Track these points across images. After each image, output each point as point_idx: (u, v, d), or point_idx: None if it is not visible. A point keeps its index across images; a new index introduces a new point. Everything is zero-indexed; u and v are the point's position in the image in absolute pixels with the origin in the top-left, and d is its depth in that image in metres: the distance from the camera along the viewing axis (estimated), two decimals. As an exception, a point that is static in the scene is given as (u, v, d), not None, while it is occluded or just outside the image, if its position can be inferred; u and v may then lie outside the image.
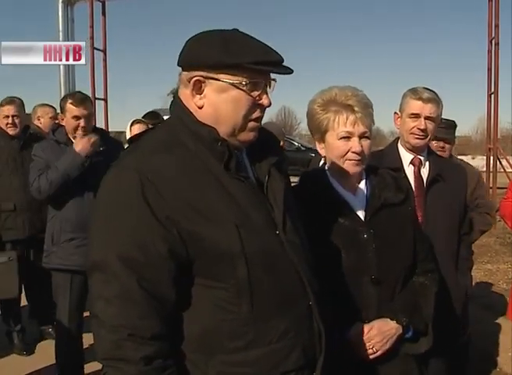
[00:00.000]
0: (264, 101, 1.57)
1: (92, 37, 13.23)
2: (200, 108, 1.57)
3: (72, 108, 3.82)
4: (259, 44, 1.55)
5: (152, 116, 5.81)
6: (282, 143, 5.55)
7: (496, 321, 4.81)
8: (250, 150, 1.67)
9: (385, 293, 2.04)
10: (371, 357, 2.00)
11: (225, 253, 1.48)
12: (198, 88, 1.55)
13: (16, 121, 4.83)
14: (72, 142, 3.85)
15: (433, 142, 4.13)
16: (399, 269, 2.08)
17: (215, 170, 1.54)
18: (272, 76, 1.60)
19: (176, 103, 1.63)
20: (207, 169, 1.53)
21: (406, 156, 2.88)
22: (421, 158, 2.88)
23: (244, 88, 1.52)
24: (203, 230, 1.47)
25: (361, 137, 2.02)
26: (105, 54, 13.75)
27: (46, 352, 4.61)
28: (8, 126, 4.81)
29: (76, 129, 3.85)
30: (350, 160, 2.04)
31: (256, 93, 1.55)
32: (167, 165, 1.50)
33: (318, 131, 2.08)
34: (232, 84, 1.52)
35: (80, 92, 4.11)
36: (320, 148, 2.12)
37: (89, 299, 1.56)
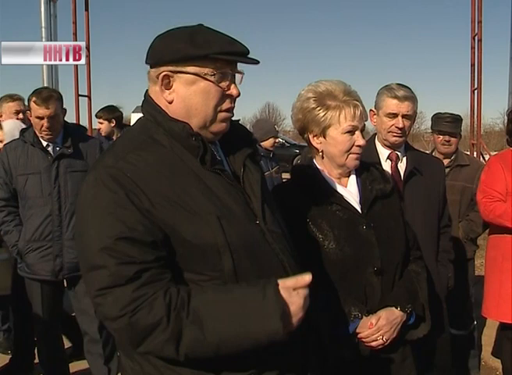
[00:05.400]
0: (233, 91, 1.61)
1: (75, 34, 13.09)
2: (170, 103, 1.59)
3: (34, 107, 3.58)
4: (224, 36, 1.59)
5: (109, 111, 5.78)
6: (275, 140, 5.59)
7: (481, 315, 4.84)
8: (223, 143, 1.70)
9: (387, 282, 2.10)
10: (380, 347, 2.04)
11: (209, 245, 1.49)
12: (167, 83, 1.58)
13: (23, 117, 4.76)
14: (41, 142, 3.65)
15: (438, 136, 4.18)
16: (398, 258, 2.14)
17: (192, 165, 1.56)
18: (240, 68, 1.63)
19: (147, 101, 1.65)
20: (183, 164, 1.56)
21: (383, 152, 2.92)
22: (398, 153, 2.92)
23: (212, 79, 1.56)
24: (185, 223, 1.48)
25: (362, 130, 2.08)
26: (89, 50, 13.61)
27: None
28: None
29: (40, 129, 3.60)
30: (353, 154, 2.09)
31: (224, 84, 1.58)
32: (144, 162, 1.52)
33: (318, 125, 2.08)
34: (200, 76, 1.55)
35: (47, 88, 3.84)
36: (317, 142, 2.13)
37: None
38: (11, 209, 3.73)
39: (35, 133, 3.67)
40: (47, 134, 3.62)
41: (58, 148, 3.68)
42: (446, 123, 4.17)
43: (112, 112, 6.15)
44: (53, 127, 3.61)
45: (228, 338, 1.43)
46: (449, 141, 4.16)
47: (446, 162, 4.20)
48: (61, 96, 3.74)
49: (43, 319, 3.76)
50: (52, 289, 3.74)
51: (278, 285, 1.45)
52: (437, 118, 4.29)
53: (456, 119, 4.28)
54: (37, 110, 3.55)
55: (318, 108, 2.07)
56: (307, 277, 1.48)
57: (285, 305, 1.44)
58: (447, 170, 4.16)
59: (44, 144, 3.68)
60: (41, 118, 3.56)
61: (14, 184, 3.68)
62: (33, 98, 3.58)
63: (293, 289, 1.47)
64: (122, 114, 6.41)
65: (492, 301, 3.54)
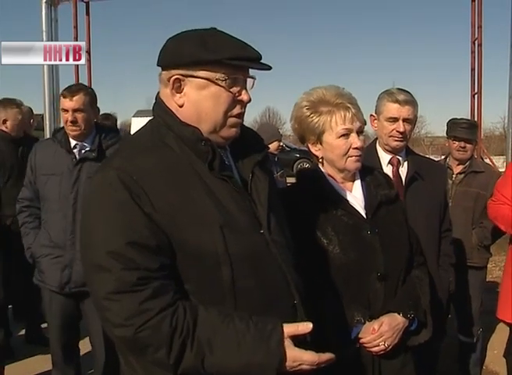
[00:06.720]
0: (244, 96, 1.59)
1: (76, 38, 13.14)
2: (181, 106, 1.58)
3: (61, 100, 3.43)
4: (237, 40, 1.57)
5: (103, 118, 5.78)
6: (279, 143, 5.58)
7: (489, 320, 4.82)
8: (233, 148, 1.68)
9: (390, 288, 2.09)
10: (381, 353, 2.03)
11: (209, 254, 1.48)
12: (178, 87, 1.56)
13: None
14: (69, 142, 3.45)
15: (454, 142, 4.15)
16: (401, 264, 2.13)
17: (200, 171, 1.54)
18: (252, 74, 1.61)
19: (158, 104, 1.64)
20: (191, 169, 1.54)
21: (384, 156, 2.92)
22: (400, 158, 2.91)
23: (223, 84, 1.54)
24: (186, 231, 1.47)
25: (358, 132, 2.06)
26: (89, 54, 13.66)
27: (30, 357, 4.58)
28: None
29: (66, 123, 3.41)
30: (351, 157, 2.07)
31: (235, 89, 1.57)
32: (152, 165, 1.51)
33: (313, 133, 2.09)
34: (212, 81, 1.54)
35: (80, 84, 3.62)
36: (315, 149, 2.13)
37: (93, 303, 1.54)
38: (33, 210, 3.60)
39: (65, 132, 3.48)
40: (71, 130, 3.42)
41: (83, 151, 3.47)
42: (462, 129, 4.13)
43: (105, 120, 6.16)
44: (77, 123, 3.40)
45: (224, 372, 1.47)
46: (464, 147, 4.11)
47: (460, 168, 4.20)
48: (93, 94, 3.55)
49: (55, 332, 3.59)
50: (62, 301, 3.48)
51: (283, 334, 1.48)
52: (453, 123, 4.23)
53: (473, 126, 4.25)
54: (63, 102, 3.42)
55: (311, 116, 2.07)
56: (309, 325, 1.52)
57: (283, 360, 1.47)
58: (461, 176, 4.16)
59: (72, 144, 3.48)
60: (66, 110, 3.40)
61: (37, 184, 3.52)
62: (63, 92, 3.48)
63: (297, 335, 1.50)
64: (116, 120, 6.42)
65: (504, 304, 3.56)
